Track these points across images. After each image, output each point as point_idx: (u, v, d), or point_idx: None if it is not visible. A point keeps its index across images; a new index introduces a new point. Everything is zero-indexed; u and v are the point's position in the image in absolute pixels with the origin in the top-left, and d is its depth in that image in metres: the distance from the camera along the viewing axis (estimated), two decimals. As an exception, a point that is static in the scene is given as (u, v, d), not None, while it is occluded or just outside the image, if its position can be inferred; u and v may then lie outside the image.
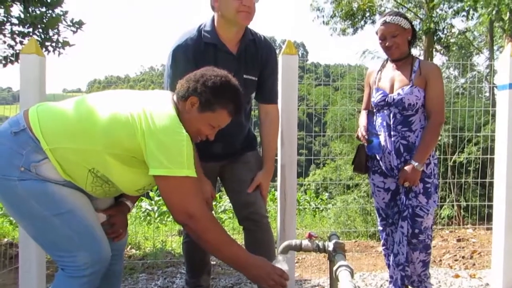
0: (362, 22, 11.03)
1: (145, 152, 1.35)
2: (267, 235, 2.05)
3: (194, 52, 1.82)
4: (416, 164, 2.11)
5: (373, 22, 10.69)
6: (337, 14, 11.05)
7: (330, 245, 1.19)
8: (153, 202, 7.04)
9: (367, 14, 10.74)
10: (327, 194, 8.82)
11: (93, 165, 1.41)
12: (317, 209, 6.71)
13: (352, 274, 1.02)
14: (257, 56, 1.94)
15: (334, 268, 1.04)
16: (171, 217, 6.74)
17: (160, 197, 7.21)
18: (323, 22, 11.67)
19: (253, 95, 2.09)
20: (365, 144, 2.27)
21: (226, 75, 1.49)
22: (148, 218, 6.39)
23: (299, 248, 1.24)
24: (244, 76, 1.91)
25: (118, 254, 1.69)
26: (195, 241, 1.45)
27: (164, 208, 7.10)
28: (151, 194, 6.96)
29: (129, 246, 3.70)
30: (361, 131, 2.29)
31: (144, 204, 6.89)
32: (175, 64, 1.83)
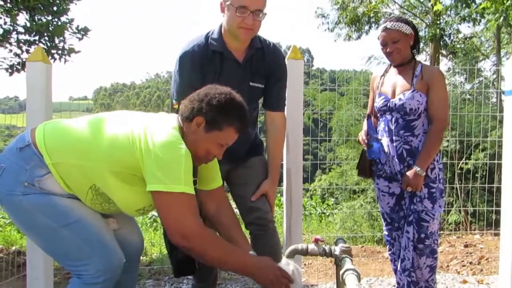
0: (367, 27, 11.03)
1: (143, 168, 1.34)
2: (273, 240, 2.04)
3: (201, 59, 1.83)
4: (418, 169, 2.10)
5: (378, 26, 10.68)
6: (342, 21, 11.07)
7: (336, 249, 1.19)
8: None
9: (372, 19, 10.74)
10: (333, 199, 8.79)
11: (94, 181, 1.42)
12: (323, 214, 6.69)
13: (359, 278, 1.02)
14: (264, 63, 1.94)
15: (341, 272, 1.04)
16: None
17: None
18: (328, 28, 11.70)
19: (261, 101, 2.10)
20: (365, 148, 2.29)
21: (229, 92, 1.48)
22: (155, 224, 6.40)
23: (305, 252, 1.24)
24: (250, 83, 1.92)
25: (133, 261, 1.68)
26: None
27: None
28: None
29: (136, 252, 3.71)
30: (361, 135, 2.31)
31: (150, 210, 6.91)
32: (181, 71, 1.84)
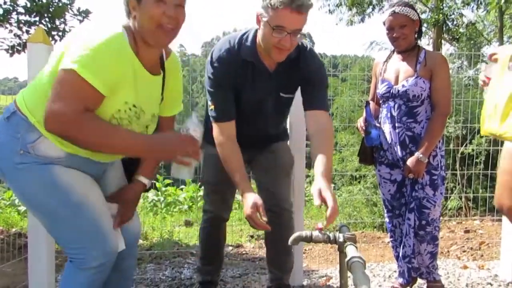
0: (370, 10, 10.89)
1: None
2: (286, 233, 1.81)
3: (233, 66, 1.74)
4: (421, 155, 2.10)
5: (381, 9, 10.57)
6: (343, 3, 10.92)
7: (340, 237, 1.18)
8: (159, 192, 7.08)
9: (374, 2, 10.59)
10: (333, 185, 8.82)
11: None
12: (323, 200, 6.71)
13: (364, 265, 1.01)
14: (299, 72, 1.77)
15: (346, 260, 1.03)
16: (177, 208, 6.81)
17: (167, 188, 7.29)
18: (329, 10, 11.55)
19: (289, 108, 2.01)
20: (363, 135, 2.28)
21: None
22: (155, 208, 6.43)
23: (309, 239, 1.23)
24: (280, 94, 1.83)
25: (132, 246, 1.64)
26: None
27: (170, 199, 7.14)
28: (158, 185, 6.99)
29: (136, 236, 3.73)
30: (360, 122, 2.30)
31: (151, 195, 6.93)
32: (213, 76, 1.75)
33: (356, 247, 1.13)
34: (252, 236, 4.10)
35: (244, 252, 3.49)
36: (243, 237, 4.08)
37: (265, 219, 1.54)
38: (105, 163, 1.53)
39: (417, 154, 2.11)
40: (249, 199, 1.57)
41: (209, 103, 1.77)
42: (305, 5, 1.51)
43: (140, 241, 3.61)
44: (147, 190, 1.69)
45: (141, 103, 1.40)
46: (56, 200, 1.37)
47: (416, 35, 2.20)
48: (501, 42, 9.33)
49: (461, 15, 9.42)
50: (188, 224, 4.80)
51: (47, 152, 1.36)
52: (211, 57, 1.75)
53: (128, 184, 1.63)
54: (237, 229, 4.33)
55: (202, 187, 2.55)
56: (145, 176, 1.61)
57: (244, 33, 1.77)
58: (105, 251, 1.41)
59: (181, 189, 7.55)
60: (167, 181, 7.19)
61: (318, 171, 1.51)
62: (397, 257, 2.35)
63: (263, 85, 1.75)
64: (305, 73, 1.76)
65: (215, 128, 1.75)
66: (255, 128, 1.91)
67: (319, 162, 1.55)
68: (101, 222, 1.42)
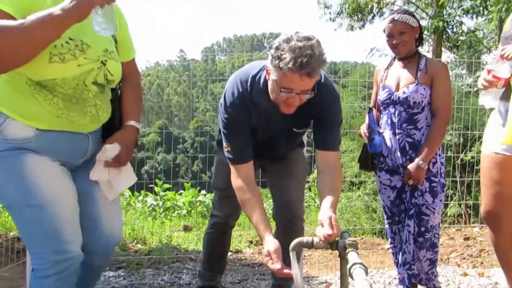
0: (370, 17, 10.96)
1: None
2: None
3: (246, 109, 1.69)
4: (421, 162, 2.10)
5: (381, 15, 10.64)
6: (344, 11, 11.00)
7: (342, 243, 1.18)
8: (158, 197, 7.06)
9: (375, 9, 10.67)
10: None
11: (25, 74, 1.31)
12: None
13: (366, 272, 1.01)
14: (312, 109, 1.67)
15: (348, 266, 1.02)
16: (176, 212, 6.79)
17: (165, 193, 7.27)
18: (330, 18, 11.63)
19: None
20: (366, 141, 2.29)
21: None
22: (154, 213, 6.41)
23: (310, 245, 1.23)
24: (294, 129, 1.80)
25: (110, 247, 1.57)
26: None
27: (169, 204, 7.12)
28: (156, 189, 6.98)
29: (135, 241, 3.71)
30: (363, 129, 2.31)
31: (150, 199, 6.91)
32: (227, 120, 1.71)
33: (358, 254, 1.12)
34: (251, 242, 4.09)
35: (243, 258, 3.48)
36: (242, 243, 4.07)
37: (278, 266, 1.45)
38: (84, 137, 1.45)
39: (417, 161, 2.11)
40: (265, 245, 1.52)
41: (224, 144, 1.73)
42: (316, 70, 1.43)
43: (139, 246, 3.59)
44: (136, 146, 1.61)
45: (79, 36, 1.34)
46: (22, 199, 1.32)
47: (416, 42, 2.23)
48: (501, 50, 9.36)
49: (461, 23, 9.48)
50: (187, 229, 4.78)
51: (16, 134, 1.32)
52: (224, 101, 1.70)
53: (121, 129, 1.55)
54: (236, 234, 4.32)
55: (208, 192, 2.53)
56: (134, 120, 1.56)
57: (257, 73, 1.67)
58: (64, 257, 1.35)
59: (180, 194, 7.53)
60: (166, 185, 7.17)
61: (326, 205, 1.51)
62: (397, 264, 2.34)
63: (276, 124, 1.72)
64: (318, 108, 1.67)
65: (232, 170, 1.72)
66: (269, 151, 1.90)
67: (328, 200, 1.54)
68: (63, 227, 1.35)
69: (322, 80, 1.65)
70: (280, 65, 1.42)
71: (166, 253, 3.27)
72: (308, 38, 1.42)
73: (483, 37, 11.04)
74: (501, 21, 7.67)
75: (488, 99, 1.77)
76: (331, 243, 1.19)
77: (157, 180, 6.71)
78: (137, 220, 4.74)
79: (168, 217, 6.28)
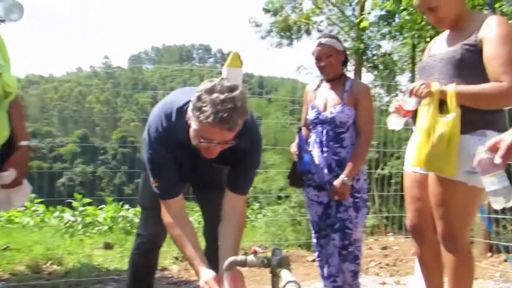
0: (299, 35, 11.49)
1: None
2: None
3: (171, 145, 1.63)
4: (346, 178, 2.21)
5: (309, 34, 11.21)
6: (274, 30, 11.43)
7: (275, 260, 1.19)
8: (77, 212, 6.60)
9: (303, 30, 11.22)
10: (257, 204, 8.90)
11: None
12: (247, 219, 6.74)
13: (299, 290, 1.03)
14: (232, 151, 1.61)
15: (282, 285, 1.03)
16: (96, 229, 6.40)
17: (84, 208, 6.84)
18: (261, 37, 12.02)
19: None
20: (296, 160, 2.37)
21: None
22: (71, 230, 5.96)
23: (244, 264, 1.22)
24: (214, 165, 1.75)
25: None
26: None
27: (89, 219, 6.69)
28: (74, 204, 6.52)
29: (49, 262, 3.42)
30: (293, 147, 2.40)
31: (67, 215, 6.43)
32: (151, 156, 1.64)
33: (290, 270, 1.14)
34: (176, 258, 3.97)
35: (169, 276, 3.36)
36: (167, 259, 3.93)
37: None
38: None
39: (342, 177, 2.22)
40: (201, 277, 1.50)
41: (151, 179, 1.66)
42: (237, 124, 1.41)
43: (54, 267, 3.32)
44: (33, 151, 1.69)
45: None
46: None
47: (342, 65, 2.38)
48: (413, 73, 10.29)
49: (379, 46, 10.31)
50: (108, 246, 4.50)
51: None
52: (148, 136, 1.63)
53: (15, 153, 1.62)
54: (161, 250, 4.17)
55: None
56: (24, 140, 1.61)
57: (183, 106, 1.60)
58: None
59: (101, 209, 7.12)
60: (86, 200, 6.75)
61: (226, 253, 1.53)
62: (323, 276, 2.42)
63: (201, 161, 1.67)
64: (239, 151, 1.62)
65: (162, 206, 1.66)
66: (198, 179, 1.88)
67: (230, 245, 1.59)
68: None
69: (247, 124, 1.56)
70: (201, 118, 1.39)
71: (85, 274, 3.06)
72: (231, 89, 1.39)
73: (398, 59, 12.05)
74: (414, 46, 8.45)
75: (394, 121, 1.94)
76: (264, 261, 1.19)
77: (75, 194, 6.29)
78: (52, 238, 4.38)
79: (88, 234, 5.87)
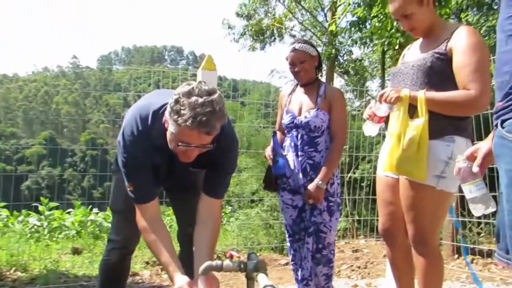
0: (271, 39, 11.56)
1: None
2: None
3: (147, 149, 1.61)
4: (320, 182, 2.23)
5: (282, 38, 11.33)
6: (247, 33, 11.43)
7: (251, 264, 1.18)
8: (42, 217, 6.38)
9: (276, 34, 11.30)
10: (230, 207, 8.86)
11: None
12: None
13: (276, 295, 1.02)
14: (209, 155, 1.60)
15: (259, 289, 1.03)
16: (63, 233, 6.20)
17: (51, 212, 6.62)
18: (234, 39, 11.96)
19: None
20: (271, 163, 2.37)
21: None
22: (37, 235, 5.76)
23: (220, 269, 1.20)
24: (190, 169, 1.72)
25: None
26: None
27: (56, 224, 6.48)
28: (40, 208, 6.31)
29: (13, 268, 3.28)
30: (268, 151, 2.41)
31: (32, 219, 6.20)
32: (126, 160, 1.60)
33: (267, 274, 1.14)
34: (147, 263, 3.89)
35: (140, 281, 3.29)
36: (138, 264, 3.85)
37: None
38: None
39: (316, 181, 2.24)
40: (176, 283, 1.49)
41: (126, 183, 1.63)
42: (216, 127, 1.40)
43: (19, 274, 3.19)
44: None
45: None
46: None
47: (316, 70, 2.40)
48: (383, 79, 10.55)
49: (351, 51, 10.53)
50: (76, 252, 4.37)
51: None
52: (123, 139, 1.59)
53: None
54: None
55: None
56: None
57: (159, 109, 1.58)
58: None
59: (69, 213, 6.91)
60: (53, 204, 6.53)
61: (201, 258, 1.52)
62: (297, 280, 2.43)
63: (178, 164, 1.65)
64: (216, 155, 1.61)
65: (137, 210, 1.63)
66: (173, 182, 1.86)
67: (206, 248, 1.59)
68: None
69: (225, 128, 1.56)
70: (179, 121, 1.38)
71: (52, 280, 2.95)
72: (209, 93, 1.39)
73: (368, 65, 12.33)
74: (384, 53, 8.65)
75: (368, 128, 2.00)
76: (240, 265, 1.19)
77: (41, 198, 6.08)
78: (16, 243, 4.21)
79: (54, 239, 5.69)
